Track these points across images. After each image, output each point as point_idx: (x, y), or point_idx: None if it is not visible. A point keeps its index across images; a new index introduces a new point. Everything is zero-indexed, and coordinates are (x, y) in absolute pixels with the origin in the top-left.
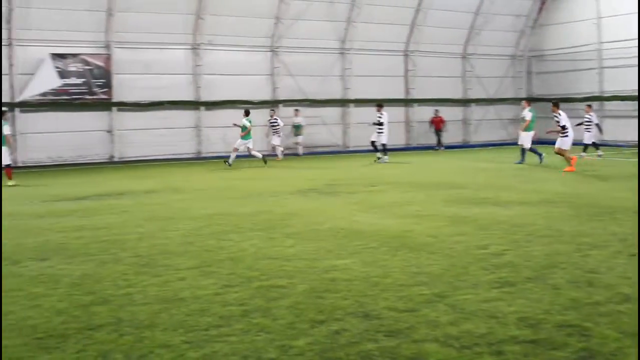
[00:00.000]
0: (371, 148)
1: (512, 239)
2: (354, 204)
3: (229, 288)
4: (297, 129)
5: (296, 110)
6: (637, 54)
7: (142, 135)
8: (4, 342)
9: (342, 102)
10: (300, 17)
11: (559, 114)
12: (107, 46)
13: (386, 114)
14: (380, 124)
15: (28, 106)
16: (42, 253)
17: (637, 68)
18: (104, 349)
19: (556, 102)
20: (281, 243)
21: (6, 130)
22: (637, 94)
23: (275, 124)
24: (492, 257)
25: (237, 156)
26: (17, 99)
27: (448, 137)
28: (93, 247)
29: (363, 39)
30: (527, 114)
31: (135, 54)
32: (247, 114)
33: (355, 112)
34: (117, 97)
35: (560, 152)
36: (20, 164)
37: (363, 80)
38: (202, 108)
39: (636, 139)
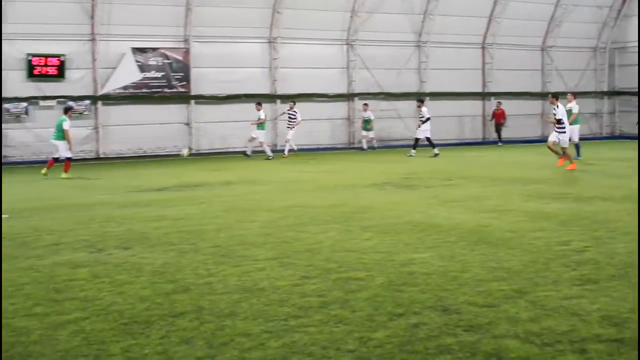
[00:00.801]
0: (449, 142)
1: (594, 236)
2: (430, 197)
3: (307, 279)
4: (366, 123)
5: (365, 104)
6: None
7: (219, 128)
8: (91, 326)
9: (418, 96)
10: (377, 10)
11: (557, 107)
12: (186, 40)
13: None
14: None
15: (110, 99)
16: (125, 242)
17: None
18: (187, 335)
19: (556, 94)
20: (358, 236)
21: (66, 125)
22: None
23: (294, 116)
24: (573, 254)
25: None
26: (100, 93)
27: (526, 131)
28: (173, 236)
29: (440, 32)
30: (574, 106)
31: (212, 47)
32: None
33: (431, 105)
34: (195, 90)
35: (552, 148)
36: (101, 155)
37: (439, 74)
38: (278, 101)
39: None
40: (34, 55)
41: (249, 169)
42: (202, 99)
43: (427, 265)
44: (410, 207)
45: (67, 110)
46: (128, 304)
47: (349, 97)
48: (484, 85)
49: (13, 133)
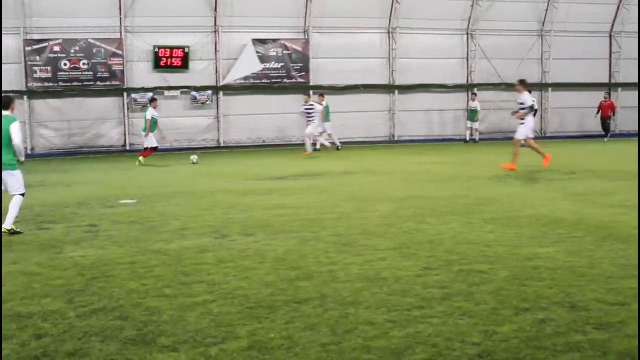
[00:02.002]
0: (571, 134)
1: None
2: (553, 190)
3: (429, 270)
4: (472, 113)
5: (473, 94)
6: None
7: (337, 118)
8: (219, 309)
9: (540, 87)
10: None
11: (524, 95)
12: (306, 31)
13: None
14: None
15: (230, 89)
16: (248, 228)
17: None
18: (311, 322)
19: (523, 80)
20: (480, 228)
21: (148, 114)
22: None
23: (311, 110)
24: None
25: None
26: (221, 83)
27: None
28: (294, 224)
29: (563, 20)
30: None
31: (331, 38)
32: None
33: (553, 96)
34: (313, 80)
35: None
36: (222, 144)
37: (562, 64)
38: (396, 92)
39: None
40: (160, 47)
41: (367, 159)
42: (320, 89)
43: (552, 260)
44: (533, 200)
45: (152, 101)
46: (253, 288)
47: (468, 87)
48: (610, 75)
49: (139, 122)
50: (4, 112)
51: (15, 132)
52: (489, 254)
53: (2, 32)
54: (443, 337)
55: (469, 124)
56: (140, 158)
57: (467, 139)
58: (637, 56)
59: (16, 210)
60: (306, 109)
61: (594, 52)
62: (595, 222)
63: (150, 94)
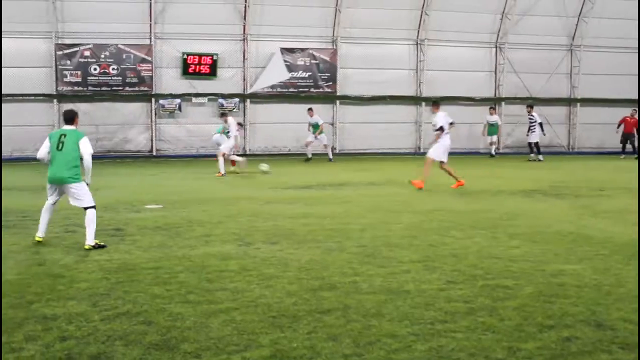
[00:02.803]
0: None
1: None
2: (580, 207)
3: (453, 284)
4: (492, 128)
5: (492, 108)
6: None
7: (363, 129)
8: (241, 317)
9: (569, 102)
10: (528, 12)
11: (437, 116)
12: (334, 41)
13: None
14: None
15: (258, 97)
16: (272, 237)
17: None
18: (334, 332)
19: (436, 101)
20: (505, 243)
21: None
22: None
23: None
24: None
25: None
26: (248, 91)
27: None
28: (319, 234)
29: (594, 35)
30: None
31: (359, 48)
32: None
33: (582, 112)
34: (340, 90)
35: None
36: (247, 152)
37: (592, 79)
38: (423, 104)
39: None
40: (189, 54)
41: (392, 170)
42: (347, 99)
43: (578, 278)
44: (560, 216)
45: (222, 115)
46: (276, 297)
47: (496, 101)
48: None
49: (166, 128)
50: (68, 127)
51: (86, 148)
52: (514, 269)
53: (34, 37)
54: (466, 352)
55: (489, 138)
56: (233, 168)
57: (493, 152)
58: None
59: (93, 226)
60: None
61: (624, 67)
62: (623, 240)
63: (178, 100)
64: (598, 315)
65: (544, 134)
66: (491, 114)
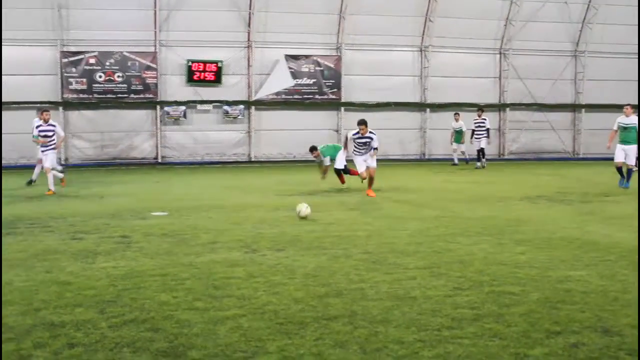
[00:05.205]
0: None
1: None
2: (586, 213)
3: (460, 291)
4: (458, 135)
5: (456, 114)
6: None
7: None
8: (248, 324)
9: (573, 107)
10: (533, 19)
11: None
12: (338, 48)
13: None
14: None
15: (262, 104)
16: (278, 243)
17: None
18: (340, 339)
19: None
20: (511, 249)
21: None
22: None
23: None
24: None
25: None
26: (253, 98)
27: None
28: (325, 241)
29: (598, 41)
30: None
31: (364, 55)
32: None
33: (587, 117)
34: (345, 97)
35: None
36: (252, 159)
37: (597, 85)
38: (428, 110)
39: None
40: (194, 61)
41: (397, 176)
42: (352, 106)
43: (585, 284)
44: (565, 222)
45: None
46: (283, 304)
47: (500, 107)
48: None
49: (172, 135)
50: None
51: None
52: (520, 275)
53: (40, 44)
54: (473, 359)
55: (454, 145)
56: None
57: (456, 161)
58: None
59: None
60: None
61: (629, 73)
62: (629, 246)
63: (183, 108)
64: (605, 322)
65: (489, 143)
66: (456, 119)
